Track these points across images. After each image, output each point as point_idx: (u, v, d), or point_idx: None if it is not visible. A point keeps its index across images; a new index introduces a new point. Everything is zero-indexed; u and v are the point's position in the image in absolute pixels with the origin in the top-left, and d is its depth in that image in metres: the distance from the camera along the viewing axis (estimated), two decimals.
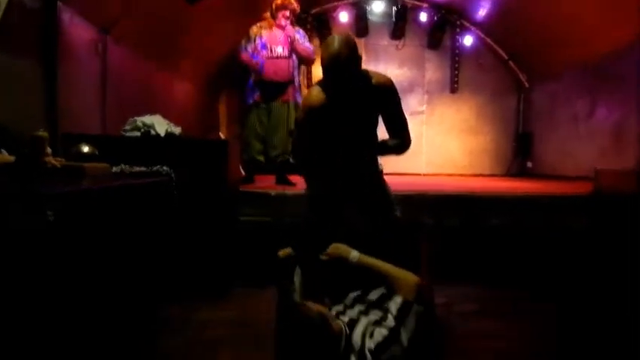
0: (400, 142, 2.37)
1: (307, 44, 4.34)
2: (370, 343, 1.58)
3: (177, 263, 2.91)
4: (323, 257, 1.97)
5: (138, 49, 4.13)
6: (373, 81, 2.20)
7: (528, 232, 3.42)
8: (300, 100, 4.26)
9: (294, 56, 4.26)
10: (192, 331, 2.50)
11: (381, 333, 1.60)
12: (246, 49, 4.26)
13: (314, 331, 1.57)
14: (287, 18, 4.22)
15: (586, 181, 4.33)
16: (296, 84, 4.31)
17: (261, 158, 4.32)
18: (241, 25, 4.50)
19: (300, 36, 4.29)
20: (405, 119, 2.37)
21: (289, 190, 3.68)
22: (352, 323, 1.69)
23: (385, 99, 2.26)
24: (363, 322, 1.70)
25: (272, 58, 4.20)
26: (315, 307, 1.65)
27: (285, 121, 4.21)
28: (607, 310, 2.73)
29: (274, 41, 4.23)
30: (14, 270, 1.52)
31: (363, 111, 2.26)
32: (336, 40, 2.03)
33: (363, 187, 2.42)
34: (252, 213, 3.47)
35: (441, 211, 3.53)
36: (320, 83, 2.23)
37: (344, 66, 2.00)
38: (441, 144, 7.53)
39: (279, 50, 4.21)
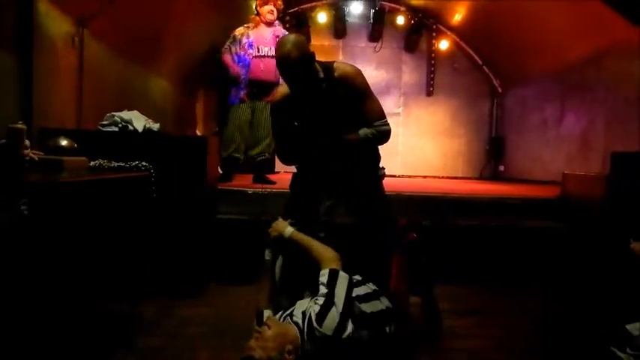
0: (376, 131, 2.27)
1: None
2: (313, 314, 1.73)
3: (154, 260, 2.89)
4: (269, 233, 2.13)
5: (115, 45, 4.07)
6: (336, 74, 2.18)
7: (499, 233, 3.51)
8: None
9: None
10: (170, 328, 2.48)
11: (318, 303, 1.76)
12: (229, 50, 4.25)
13: None
14: (272, 13, 4.22)
15: (554, 185, 4.47)
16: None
17: (240, 156, 4.30)
18: (220, 25, 4.48)
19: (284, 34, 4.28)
20: (378, 106, 2.30)
21: (267, 189, 3.69)
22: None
23: (351, 89, 2.20)
24: (305, 303, 1.86)
25: (259, 56, 4.19)
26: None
27: (267, 121, 4.18)
28: (578, 306, 2.83)
29: (261, 41, 4.22)
30: None
31: (331, 105, 2.22)
32: (285, 42, 2.08)
33: (350, 187, 2.39)
34: (229, 211, 3.46)
35: (414, 211, 3.59)
36: None
37: (293, 65, 2.05)
38: (416, 146, 7.66)
39: (267, 49, 4.19)
